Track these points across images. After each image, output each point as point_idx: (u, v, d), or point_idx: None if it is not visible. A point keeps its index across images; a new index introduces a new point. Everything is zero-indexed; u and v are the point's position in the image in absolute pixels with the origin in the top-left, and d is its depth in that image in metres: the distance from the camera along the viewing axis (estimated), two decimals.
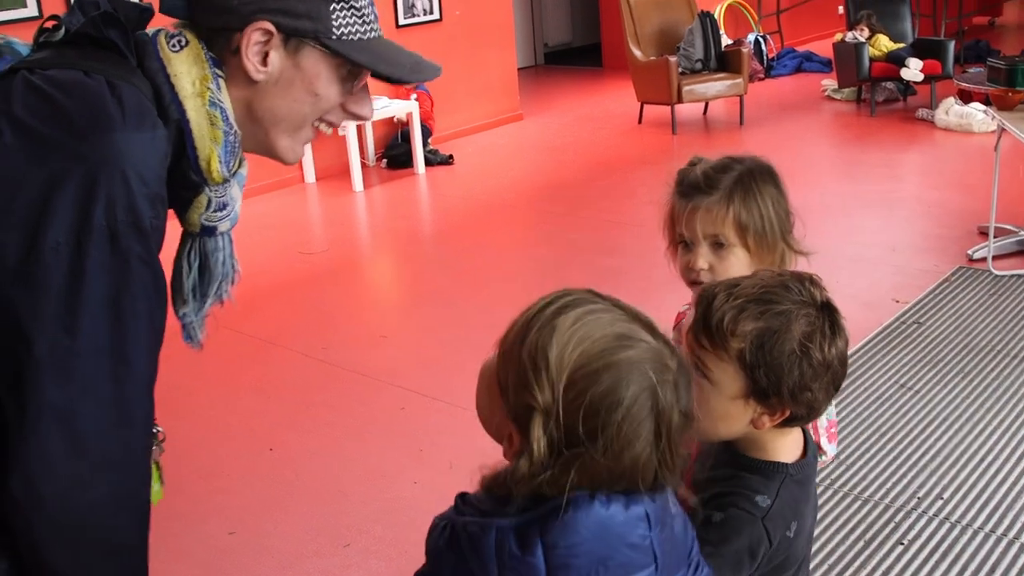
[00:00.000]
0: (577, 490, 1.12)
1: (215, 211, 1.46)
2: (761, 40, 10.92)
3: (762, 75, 10.67)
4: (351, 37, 1.40)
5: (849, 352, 4.65)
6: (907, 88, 9.05)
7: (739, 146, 8.20)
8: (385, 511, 3.38)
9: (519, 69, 9.92)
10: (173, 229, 1.36)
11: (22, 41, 1.37)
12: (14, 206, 1.20)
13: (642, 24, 8.94)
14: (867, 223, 6.03)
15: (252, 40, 1.36)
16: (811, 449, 1.55)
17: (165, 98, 1.34)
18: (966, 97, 8.31)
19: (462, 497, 1.21)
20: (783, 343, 1.38)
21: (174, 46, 1.37)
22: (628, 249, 5.75)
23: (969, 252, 5.36)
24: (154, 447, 1.52)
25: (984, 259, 5.21)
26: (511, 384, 1.15)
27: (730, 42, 9.46)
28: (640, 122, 8.98)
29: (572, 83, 11.32)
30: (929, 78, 8.53)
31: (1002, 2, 14.06)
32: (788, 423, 1.45)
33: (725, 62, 8.77)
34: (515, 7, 10.06)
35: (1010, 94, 5.76)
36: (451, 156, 8.10)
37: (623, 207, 6.63)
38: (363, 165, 7.71)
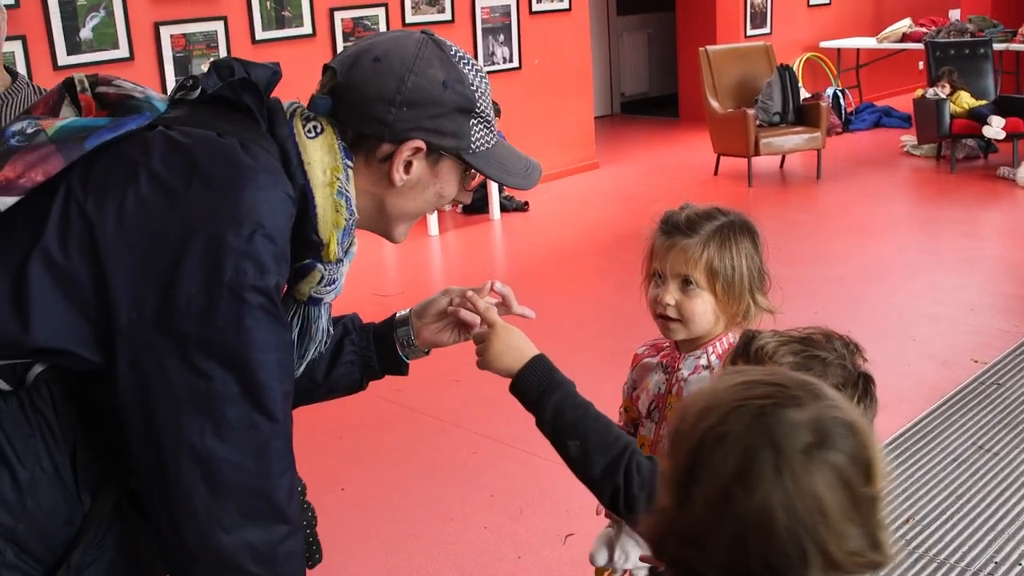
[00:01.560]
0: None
1: (325, 285, 1.55)
2: (840, 94, 10.87)
3: (840, 129, 10.60)
4: (482, 148, 1.52)
5: (926, 411, 4.54)
6: (988, 146, 8.93)
7: (816, 200, 8.17)
8: (456, 554, 3.40)
9: (596, 118, 9.99)
10: None
11: (159, 96, 1.45)
12: (152, 256, 1.27)
13: (720, 76, 8.97)
14: (945, 281, 5.95)
15: (404, 155, 1.47)
16: None
17: (292, 163, 1.42)
18: None
19: None
20: None
21: (310, 132, 1.45)
22: None
23: None
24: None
25: None
26: None
27: (808, 96, 9.43)
28: (716, 174, 8.97)
29: (648, 133, 11.36)
30: (1011, 136, 8.40)
31: None
32: None
33: (803, 116, 8.75)
34: (593, 56, 10.14)
35: None
36: (526, 203, 8.17)
37: None
38: (439, 209, 7.81)
